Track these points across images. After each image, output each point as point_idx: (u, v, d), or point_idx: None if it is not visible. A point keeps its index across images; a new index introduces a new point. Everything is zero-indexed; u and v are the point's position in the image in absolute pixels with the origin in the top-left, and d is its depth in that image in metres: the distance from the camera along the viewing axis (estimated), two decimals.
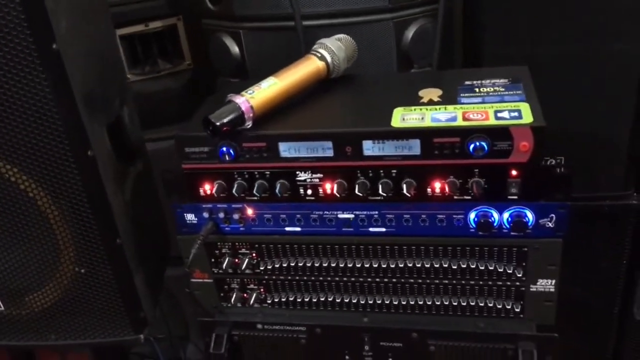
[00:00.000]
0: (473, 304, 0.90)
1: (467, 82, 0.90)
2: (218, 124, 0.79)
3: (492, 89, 0.86)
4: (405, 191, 0.82)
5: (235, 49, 1.28)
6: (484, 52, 1.31)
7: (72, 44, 0.78)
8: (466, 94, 0.85)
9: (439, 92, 0.88)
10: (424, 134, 0.78)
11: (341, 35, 0.98)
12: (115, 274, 0.92)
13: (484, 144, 0.76)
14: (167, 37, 1.54)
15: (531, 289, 0.87)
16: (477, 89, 0.87)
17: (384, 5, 1.15)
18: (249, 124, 0.83)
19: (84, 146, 0.82)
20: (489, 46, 1.30)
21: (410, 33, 1.20)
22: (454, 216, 0.83)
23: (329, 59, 0.94)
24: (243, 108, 0.82)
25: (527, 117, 0.77)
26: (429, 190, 0.82)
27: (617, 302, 1.55)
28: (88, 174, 0.83)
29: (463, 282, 0.89)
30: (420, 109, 0.83)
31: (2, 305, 0.96)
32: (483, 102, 0.82)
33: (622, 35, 1.23)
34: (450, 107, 0.82)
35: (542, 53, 1.26)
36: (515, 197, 0.80)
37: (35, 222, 0.88)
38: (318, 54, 0.94)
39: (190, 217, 0.92)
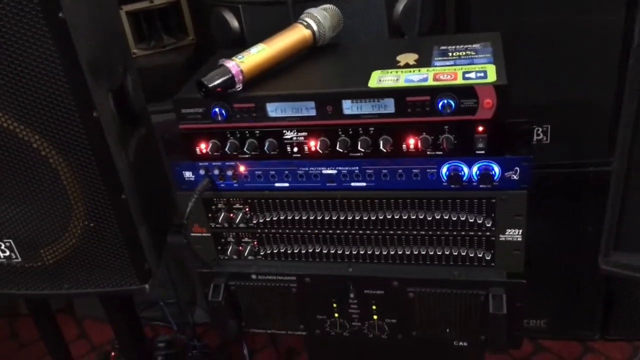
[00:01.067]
0: (448, 253, 0.98)
1: (443, 47, 0.96)
2: (210, 85, 0.87)
3: (464, 53, 0.92)
4: (382, 147, 0.90)
5: (234, 23, 1.34)
6: (472, 22, 1.37)
7: (77, 13, 0.85)
8: (440, 58, 0.92)
9: (416, 56, 0.94)
10: (398, 93, 0.85)
11: (327, 5, 1.05)
12: (121, 228, 1.01)
13: (451, 101, 0.83)
14: (171, 13, 1.61)
15: (500, 239, 0.94)
16: (450, 53, 0.93)
17: None
18: (239, 86, 0.91)
19: (89, 107, 0.89)
20: (476, 16, 1.36)
21: (400, 5, 1.25)
22: (428, 170, 0.91)
23: (315, 27, 1.01)
24: (233, 71, 0.89)
25: (492, 77, 0.83)
26: (404, 146, 0.90)
27: None
28: (93, 133, 0.91)
29: (438, 232, 0.96)
30: (396, 72, 0.90)
31: (19, 257, 1.05)
32: (454, 65, 0.89)
33: (604, 5, 1.28)
34: (423, 70, 0.89)
35: (526, 22, 1.32)
36: (483, 151, 0.87)
37: (48, 180, 0.96)
38: (305, 23, 1.01)
39: (188, 174, 1.00)
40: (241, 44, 1.37)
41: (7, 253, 1.04)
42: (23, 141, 0.92)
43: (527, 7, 1.30)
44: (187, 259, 1.90)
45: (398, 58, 0.95)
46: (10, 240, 1.02)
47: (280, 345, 1.90)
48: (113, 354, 1.83)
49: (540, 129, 1.47)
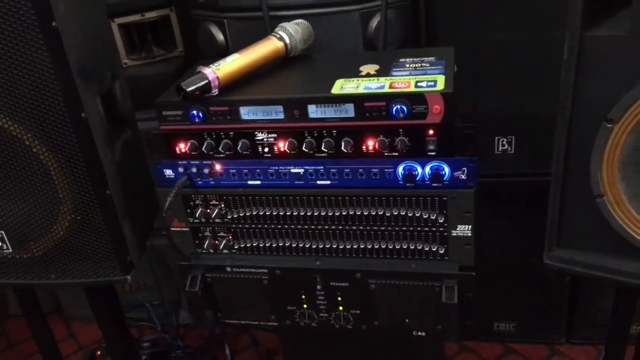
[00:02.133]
0: (406, 247, 1.06)
1: (402, 60, 1.06)
2: (188, 90, 0.97)
3: (419, 65, 1.02)
4: (344, 148, 0.99)
5: (220, 36, 1.45)
6: (440, 38, 1.48)
7: (69, 23, 0.94)
8: (397, 69, 1.02)
9: (377, 67, 1.04)
10: (357, 99, 0.95)
11: (299, 20, 1.15)
12: (105, 221, 1.09)
13: (404, 107, 0.92)
14: (161, 26, 1.71)
15: (452, 234, 1.03)
16: (407, 65, 1.03)
17: None
18: (215, 91, 1.00)
19: (78, 109, 0.98)
20: (443, 33, 1.47)
21: (374, 23, 1.35)
22: (385, 170, 1.00)
23: (287, 39, 1.10)
24: (210, 77, 0.99)
25: (440, 86, 0.93)
26: (363, 147, 0.99)
27: None
28: (81, 132, 1.00)
29: (397, 228, 1.05)
30: (357, 80, 0.99)
31: (10, 248, 1.12)
32: (409, 75, 0.98)
33: (562, 24, 1.38)
34: (382, 79, 0.98)
35: (489, 39, 1.42)
36: (433, 153, 0.96)
37: (39, 175, 1.04)
38: (277, 35, 1.10)
39: (168, 172, 1.09)
40: (226, 56, 1.46)
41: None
42: (16, 139, 1.00)
43: (490, 25, 1.40)
44: (171, 261, 1.97)
45: (361, 68, 1.04)
46: (2, 232, 1.10)
47: (260, 347, 1.97)
48: (98, 352, 1.89)
49: (506, 140, 1.56)
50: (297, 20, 1.14)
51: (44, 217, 1.09)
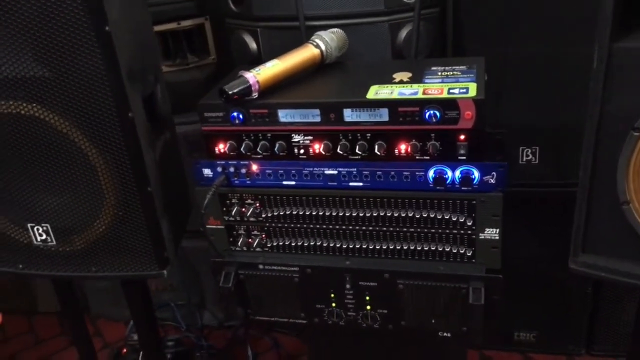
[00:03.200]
0: (434, 249, 1.10)
1: (434, 68, 1.10)
2: (230, 92, 1.02)
3: (451, 73, 1.06)
4: (377, 151, 1.03)
5: (253, 45, 1.50)
6: (467, 50, 1.52)
7: (120, 27, 1.00)
8: (430, 76, 1.06)
9: (409, 74, 1.08)
10: (391, 104, 0.99)
11: (335, 29, 1.20)
12: (146, 217, 1.14)
13: (437, 112, 0.97)
14: (196, 35, 1.78)
15: (480, 237, 1.06)
16: (439, 73, 1.07)
17: (381, 9, 1.36)
18: (255, 94, 1.05)
19: (125, 108, 1.03)
20: (470, 45, 1.51)
21: (403, 34, 1.40)
22: (417, 173, 1.04)
23: (323, 47, 1.15)
24: (251, 81, 1.04)
25: (472, 93, 0.97)
26: (396, 151, 1.03)
27: (590, 281, 1.72)
28: (128, 131, 1.05)
29: (426, 230, 1.08)
30: (391, 86, 1.04)
31: (54, 241, 1.18)
32: (442, 82, 1.03)
33: (588, 39, 1.41)
34: (415, 85, 1.03)
35: (516, 51, 1.46)
36: (464, 157, 1.00)
37: (85, 172, 1.09)
38: (314, 43, 1.15)
39: (207, 171, 1.14)
40: (258, 64, 1.52)
41: (44, 237, 1.17)
42: (64, 136, 1.05)
43: (517, 37, 1.44)
44: (197, 263, 2.02)
45: (394, 75, 1.09)
46: (48, 225, 1.15)
47: (282, 350, 2.00)
48: (125, 350, 1.94)
49: (530, 150, 1.59)
50: (332, 29, 1.19)
51: (87, 211, 1.14)
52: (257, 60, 1.51)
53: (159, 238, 1.17)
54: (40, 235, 1.17)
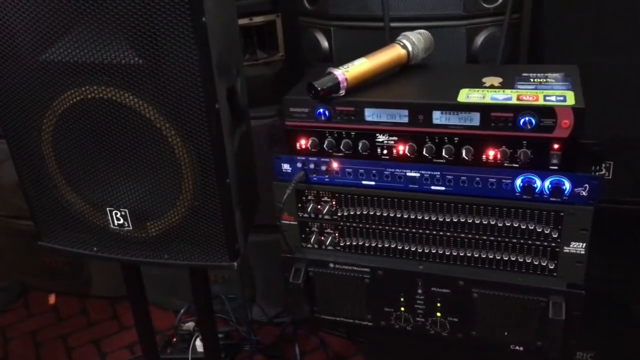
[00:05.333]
0: (514, 259, 1.07)
1: (524, 74, 1.08)
2: (319, 88, 1.01)
3: (544, 80, 1.04)
4: (464, 156, 1.01)
5: (325, 43, 1.50)
6: (545, 59, 1.48)
7: (213, 18, 1.01)
8: (522, 82, 1.04)
9: (500, 79, 1.06)
10: (484, 109, 0.97)
11: (421, 30, 1.18)
12: (222, 209, 1.15)
13: (532, 119, 0.94)
14: (266, 31, 1.78)
15: (565, 250, 1.03)
16: (532, 79, 1.05)
17: (459, 13, 1.34)
18: (342, 92, 1.05)
19: (213, 100, 1.04)
20: (549, 54, 1.47)
21: (480, 39, 1.38)
22: (503, 180, 1.01)
23: (409, 47, 1.14)
24: (340, 78, 1.03)
25: (571, 101, 0.94)
26: (484, 157, 1.01)
27: None
28: (213, 122, 1.06)
29: (507, 239, 1.06)
30: (482, 91, 1.02)
31: (131, 226, 1.20)
32: (535, 89, 1.00)
33: None
34: (507, 91, 1.01)
35: (596, 61, 1.42)
36: (556, 167, 0.97)
37: (167, 160, 1.10)
38: (401, 43, 1.14)
39: (286, 166, 1.13)
40: (328, 62, 1.52)
41: (121, 221, 1.19)
42: (151, 123, 1.07)
43: (601, 48, 1.40)
44: (250, 257, 2.03)
45: (483, 80, 1.07)
46: (126, 210, 1.17)
47: (329, 350, 1.99)
48: (174, 340, 1.96)
49: (603, 165, 1.54)
50: (419, 30, 1.18)
51: (165, 199, 1.15)
52: (327, 59, 1.51)
53: (232, 230, 1.18)
54: (118, 219, 1.19)
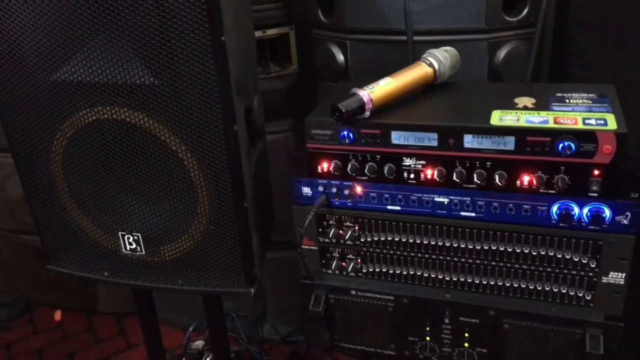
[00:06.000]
0: (548, 289, 1.02)
1: (559, 94, 1.03)
2: (344, 110, 0.96)
3: (580, 101, 0.98)
4: (497, 181, 0.96)
5: (340, 57, 1.46)
6: (570, 73, 1.43)
7: (231, 36, 0.96)
8: (557, 103, 0.98)
9: (533, 100, 1.01)
10: (519, 132, 0.92)
11: (447, 47, 1.13)
12: (239, 233, 1.10)
13: (572, 144, 0.89)
14: (280, 44, 1.74)
15: (603, 280, 0.98)
16: (567, 100, 1.00)
17: (481, 26, 1.29)
18: (367, 113, 0.99)
19: (232, 121, 0.99)
20: (575, 68, 1.42)
21: (502, 53, 1.33)
22: (538, 207, 0.96)
23: (436, 66, 1.09)
24: (365, 99, 0.98)
25: (612, 125, 0.89)
26: (518, 182, 0.96)
27: None
28: (231, 144, 1.01)
29: (541, 268, 1.01)
30: (516, 112, 0.96)
31: (144, 251, 1.15)
32: (572, 111, 0.95)
33: None
34: (543, 113, 0.95)
35: (625, 77, 1.36)
36: (595, 194, 0.92)
37: (182, 183, 1.05)
38: (427, 62, 1.09)
39: (306, 190, 1.08)
40: (343, 76, 1.47)
41: (134, 246, 1.14)
42: (166, 145, 1.02)
43: (628, 63, 1.35)
44: (263, 276, 1.98)
45: (516, 100, 1.01)
46: (139, 234, 1.12)
47: None
48: (184, 359, 1.91)
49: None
50: (445, 47, 1.13)
51: (179, 224, 1.10)
52: (343, 72, 1.47)
53: (249, 255, 1.13)
54: (130, 244, 1.14)
